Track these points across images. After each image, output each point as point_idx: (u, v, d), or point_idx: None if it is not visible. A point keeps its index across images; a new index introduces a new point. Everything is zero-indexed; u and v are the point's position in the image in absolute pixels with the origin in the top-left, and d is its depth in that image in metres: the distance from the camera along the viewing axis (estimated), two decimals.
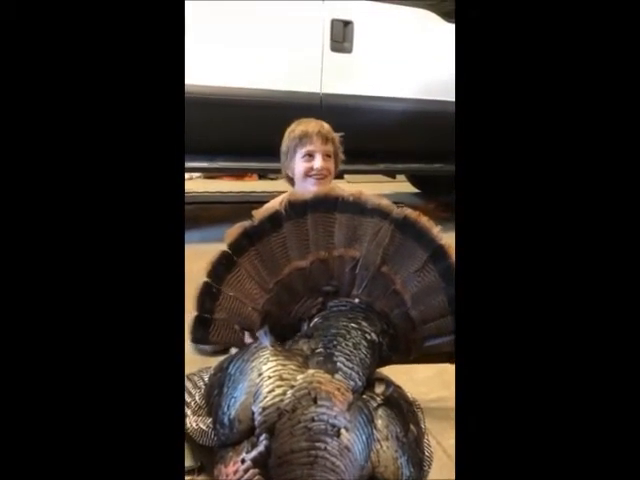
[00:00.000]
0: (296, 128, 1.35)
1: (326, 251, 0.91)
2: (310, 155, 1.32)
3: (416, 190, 3.67)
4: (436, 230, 0.90)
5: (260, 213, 0.93)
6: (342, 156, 1.39)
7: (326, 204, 0.92)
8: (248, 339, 0.96)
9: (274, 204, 1.41)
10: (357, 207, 0.91)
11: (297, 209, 0.92)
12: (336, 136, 1.36)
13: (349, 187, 0.94)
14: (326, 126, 1.35)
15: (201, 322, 0.94)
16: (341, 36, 2.09)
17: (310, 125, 1.34)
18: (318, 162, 1.31)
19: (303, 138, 1.32)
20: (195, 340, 0.95)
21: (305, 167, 1.32)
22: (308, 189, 1.33)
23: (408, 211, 0.91)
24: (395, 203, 0.94)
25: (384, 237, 0.90)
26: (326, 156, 1.32)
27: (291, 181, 1.40)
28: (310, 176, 1.32)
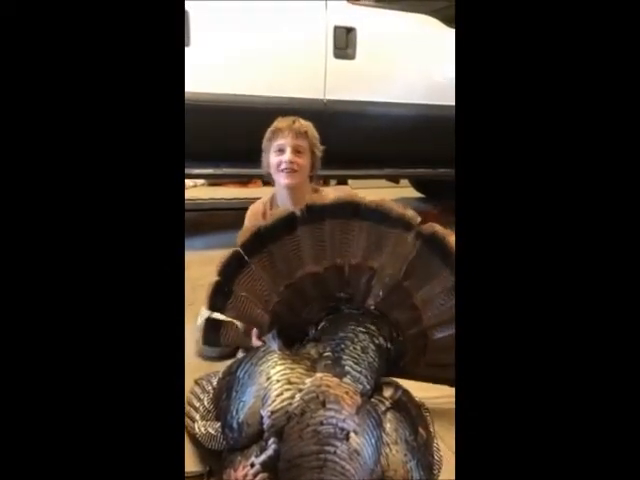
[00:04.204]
0: (272, 124, 1.37)
1: (343, 259, 0.88)
2: (281, 149, 1.34)
3: (420, 195, 3.68)
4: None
5: (273, 215, 0.92)
6: (319, 153, 1.39)
7: (346, 210, 0.88)
8: (255, 340, 0.96)
9: (257, 207, 1.43)
10: (379, 215, 0.87)
11: (314, 214, 0.89)
12: (313, 132, 1.37)
13: (369, 194, 0.91)
14: (301, 122, 1.36)
15: (212, 325, 0.95)
16: (344, 43, 2.10)
17: (283, 120, 1.36)
18: (287, 155, 1.32)
19: (275, 132, 1.35)
20: (207, 342, 0.96)
21: (276, 161, 1.35)
22: (280, 183, 1.36)
23: (437, 228, 0.87)
24: None
25: (409, 251, 0.87)
26: (297, 151, 1.34)
27: (270, 177, 1.41)
28: (280, 170, 1.34)
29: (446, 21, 2.23)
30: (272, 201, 1.44)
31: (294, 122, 1.35)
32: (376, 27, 2.16)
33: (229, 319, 0.96)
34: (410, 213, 0.88)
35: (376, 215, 0.87)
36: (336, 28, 2.09)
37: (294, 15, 2.05)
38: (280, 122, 1.36)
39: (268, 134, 1.37)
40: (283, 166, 1.33)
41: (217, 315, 1.15)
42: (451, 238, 0.86)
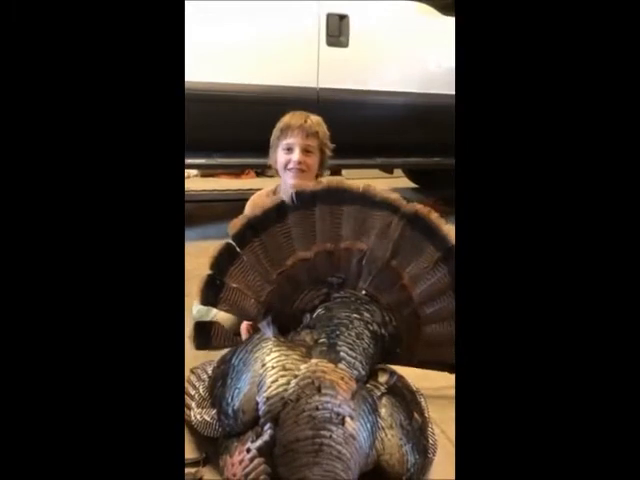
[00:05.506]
0: (282, 120, 1.33)
1: (332, 243, 0.90)
2: (290, 148, 1.30)
3: (414, 185, 3.67)
4: (446, 228, 0.88)
5: (263, 205, 0.92)
6: (329, 152, 1.35)
7: (334, 196, 0.90)
8: (245, 336, 0.96)
9: (260, 197, 1.41)
10: (365, 199, 0.90)
11: (304, 200, 0.90)
12: (324, 131, 1.33)
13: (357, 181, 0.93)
14: (313, 119, 1.32)
15: (201, 329, 0.95)
16: (337, 30, 2.08)
17: (294, 117, 1.31)
18: (296, 155, 1.29)
19: (285, 130, 1.30)
20: (199, 347, 0.95)
21: (284, 159, 1.31)
22: (287, 182, 1.32)
23: (419, 207, 0.90)
24: None
25: (394, 231, 0.89)
26: (306, 151, 1.29)
27: (277, 173, 1.38)
28: (288, 169, 1.30)
29: (440, 8, 2.21)
30: (275, 193, 1.40)
31: (305, 120, 1.29)
32: (369, 14, 2.14)
33: (216, 320, 0.96)
34: (394, 196, 0.91)
35: (362, 199, 0.90)
36: (329, 15, 2.07)
37: (286, 2, 2.02)
38: (290, 118, 1.31)
39: (277, 131, 1.32)
40: (291, 165, 1.29)
41: (206, 311, 1.14)
42: (433, 215, 0.89)
